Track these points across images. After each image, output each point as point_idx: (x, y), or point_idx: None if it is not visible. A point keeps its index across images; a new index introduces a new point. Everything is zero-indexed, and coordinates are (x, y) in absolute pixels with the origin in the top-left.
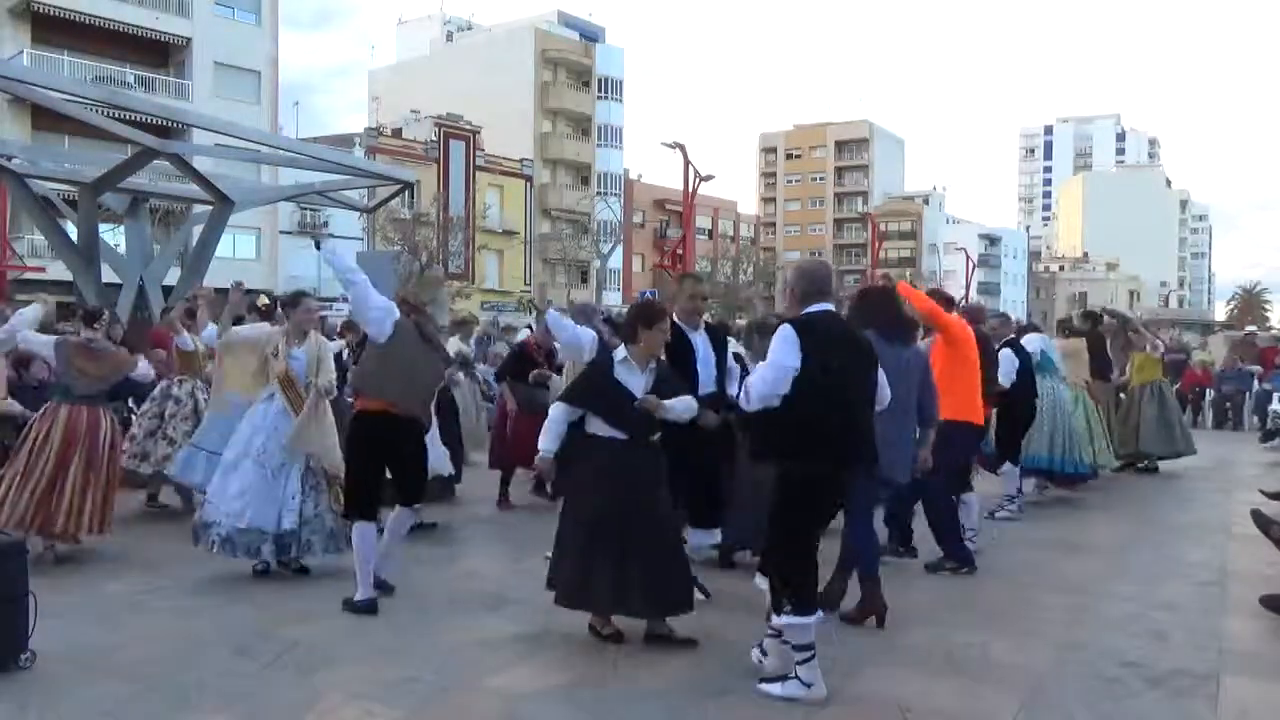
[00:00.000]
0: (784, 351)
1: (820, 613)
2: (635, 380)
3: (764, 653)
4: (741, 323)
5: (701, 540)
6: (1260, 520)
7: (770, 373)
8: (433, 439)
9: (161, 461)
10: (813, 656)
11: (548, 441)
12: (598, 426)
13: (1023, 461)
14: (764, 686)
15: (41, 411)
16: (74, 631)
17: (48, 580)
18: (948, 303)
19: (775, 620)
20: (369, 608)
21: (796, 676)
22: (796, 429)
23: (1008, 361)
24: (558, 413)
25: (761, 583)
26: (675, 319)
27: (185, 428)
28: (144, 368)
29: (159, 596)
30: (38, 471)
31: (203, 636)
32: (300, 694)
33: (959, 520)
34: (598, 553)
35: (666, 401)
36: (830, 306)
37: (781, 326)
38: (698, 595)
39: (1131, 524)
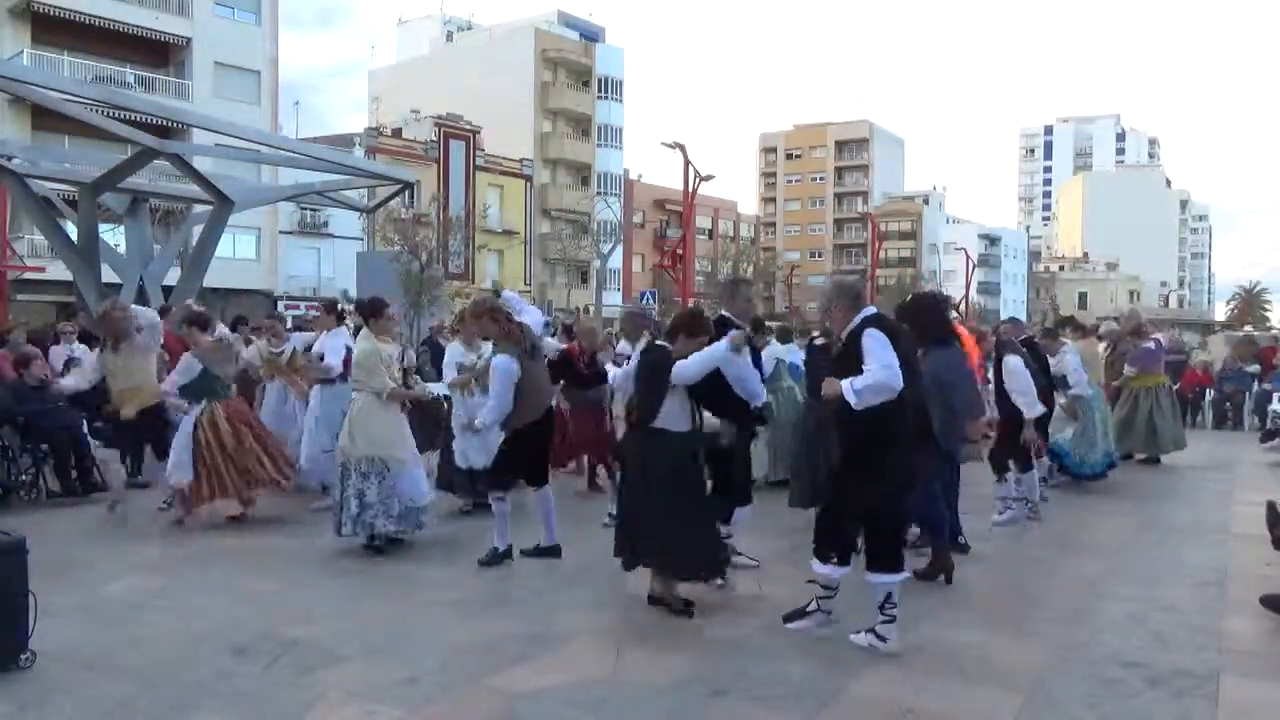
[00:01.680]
0: (888, 351)
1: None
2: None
3: (881, 638)
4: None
5: (735, 519)
6: (1273, 515)
7: (885, 372)
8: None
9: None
10: (896, 613)
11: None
12: (663, 421)
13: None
14: (790, 624)
15: (199, 414)
16: (74, 631)
17: (48, 580)
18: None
19: (819, 569)
20: (556, 551)
21: (820, 610)
22: (896, 420)
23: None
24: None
25: (875, 578)
26: (733, 317)
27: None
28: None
29: (159, 596)
30: (227, 460)
31: (203, 636)
32: (300, 694)
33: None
34: (640, 525)
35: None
36: (876, 310)
37: (870, 331)
38: (748, 562)
39: (1131, 524)
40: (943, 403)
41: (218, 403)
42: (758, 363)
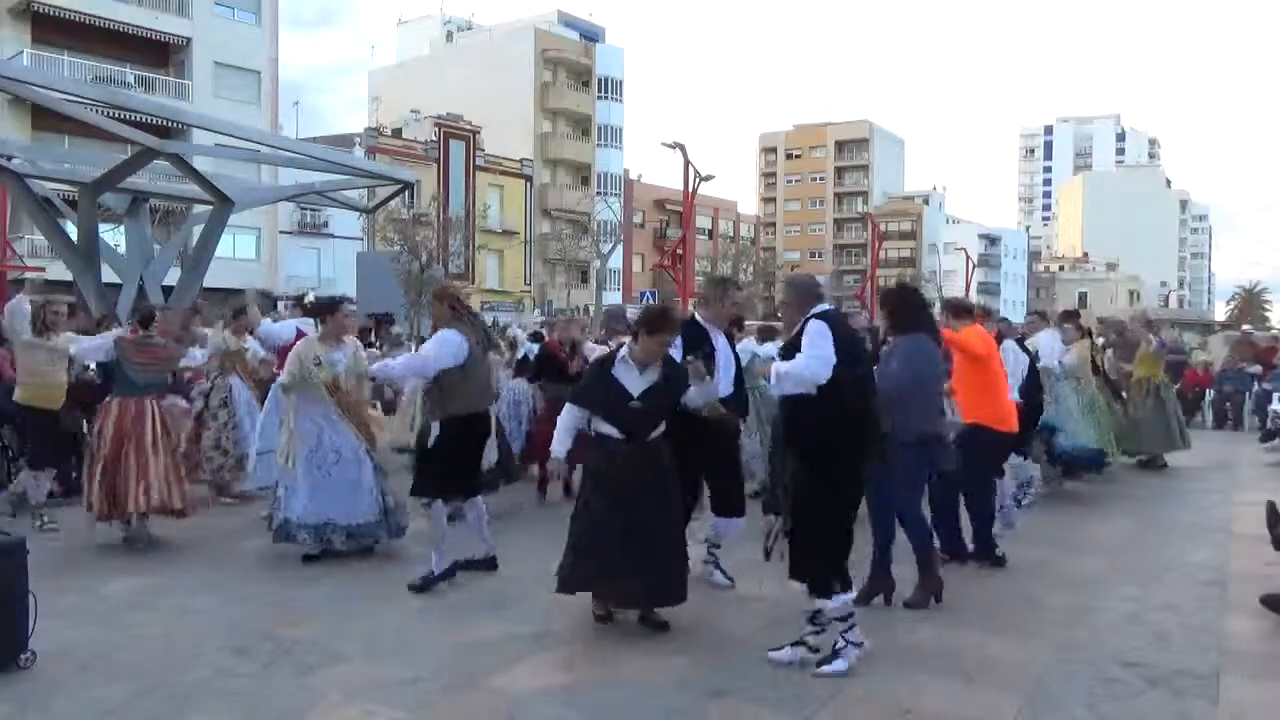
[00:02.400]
0: (825, 344)
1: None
2: (633, 379)
3: (813, 649)
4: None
5: (727, 529)
6: (1273, 515)
7: (812, 361)
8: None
9: (230, 470)
10: (854, 621)
11: (558, 444)
12: (599, 424)
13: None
14: (825, 669)
15: (102, 406)
16: (74, 631)
17: (48, 580)
18: (967, 311)
19: (829, 604)
20: (451, 572)
21: (850, 643)
22: (835, 425)
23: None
24: (567, 415)
25: (800, 587)
26: (703, 321)
27: (237, 435)
28: (195, 355)
29: (159, 596)
30: (101, 462)
31: (203, 636)
32: (300, 694)
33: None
34: (594, 545)
35: (691, 393)
36: (832, 307)
37: (812, 321)
38: (723, 581)
39: (1131, 524)
40: (904, 395)
41: (121, 401)
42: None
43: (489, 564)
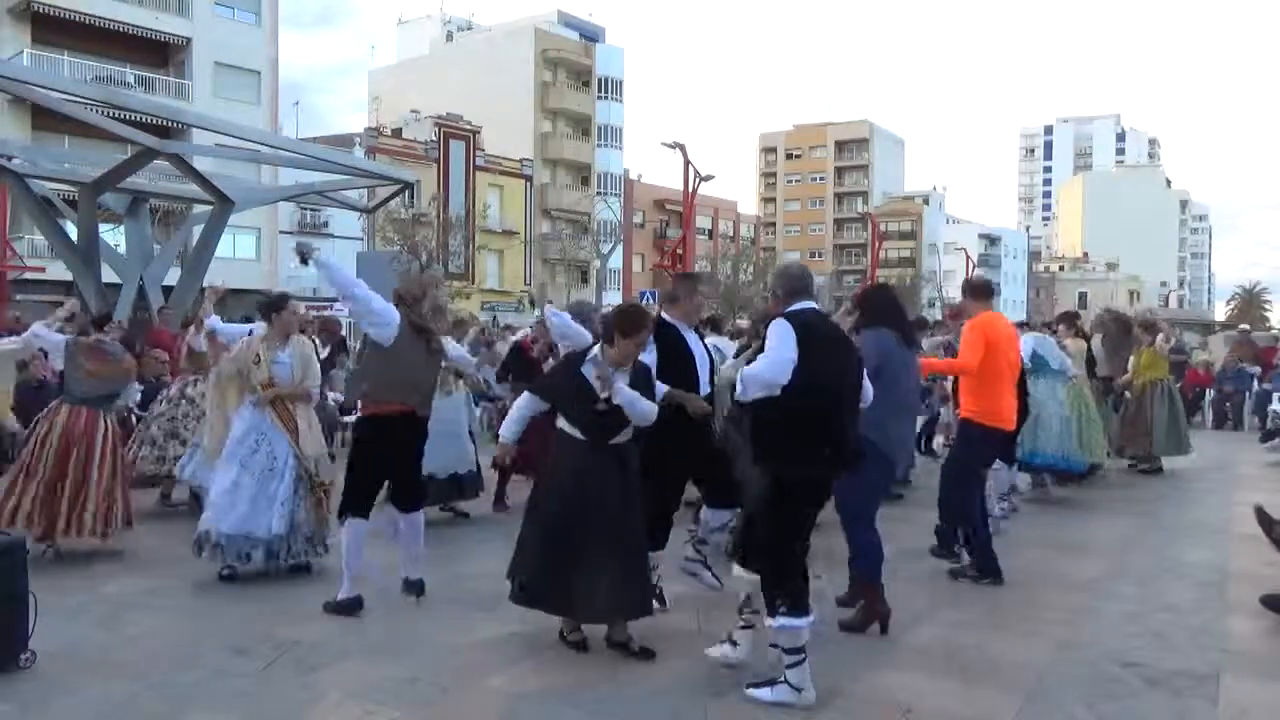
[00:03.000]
0: (783, 343)
1: (812, 615)
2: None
3: (734, 643)
4: (742, 323)
5: (720, 518)
6: (1263, 518)
7: (770, 364)
8: (461, 436)
9: (173, 462)
10: (803, 660)
11: (508, 429)
12: (564, 423)
13: (1030, 458)
14: (753, 692)
15: (45, 411)
16: (74, 631)
17: (48, 580)
18: (982, 291)
19: (770, 623)
20: (354, 605)
21: (786, 681)
22: (792, 432)
23: None
24: (522, 402)
25: (741, 572)
26: (673, 320)
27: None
28: (133, 390)
29: (159, 596)
30: (39, 473)
31: (203, 636)
32: (300, 694)
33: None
34: (550, 554)
35: (620, 385)
36: (814, 304)
37: (776, 320)
38: (712, 581)
39: (1131, 524)
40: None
41: (71, 408)
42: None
43: (347, 607)
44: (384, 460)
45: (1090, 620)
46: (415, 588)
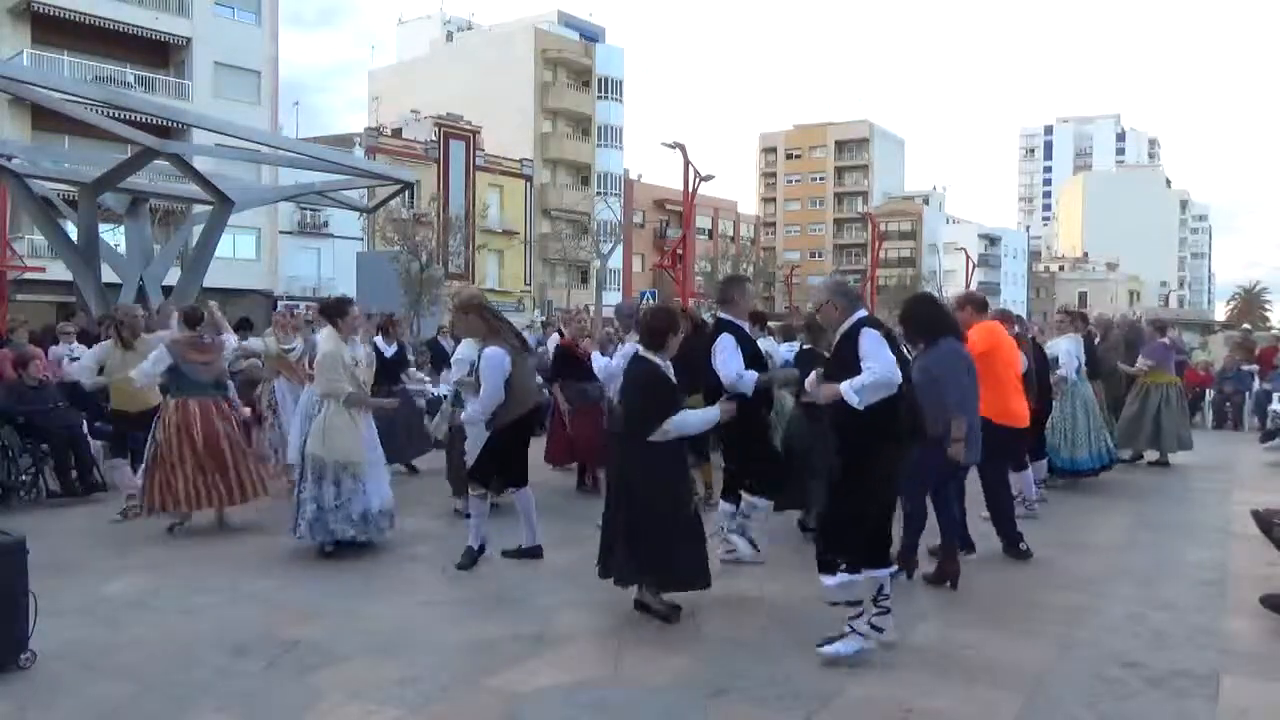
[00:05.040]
0: (883, 347)
1: (893, 566)
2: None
3: (878, 630)
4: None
5: (762, 505)
6: (1261, 520)
7: (885, 368)
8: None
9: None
10: (863, 610)
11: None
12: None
13: (1063, 464)
14: (824, 649)
15: (162, 410)
16: (74, 631)
17: (48, 580)
18: (982, 305)
19: (828, 581)
20: (536, 552)
21: (855, 632)
22: (889, 417)
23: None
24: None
25: (832, 580)
26: (730, 317)
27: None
28: (229, 340)
29: (159, 596)
30: (186, 459)
31: (203, 636)
32: (300, 694)
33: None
34: (682, 537)
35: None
36: (868, 313)
37: (865, 329)
38: (747, 550)
39: (1131, 524)
40: (936, 399)
41: (191, 400)
42: (758, 356)
43: (533, 552)
44: (514, 453)
45: (1090, 620)
46: (535, 553)
